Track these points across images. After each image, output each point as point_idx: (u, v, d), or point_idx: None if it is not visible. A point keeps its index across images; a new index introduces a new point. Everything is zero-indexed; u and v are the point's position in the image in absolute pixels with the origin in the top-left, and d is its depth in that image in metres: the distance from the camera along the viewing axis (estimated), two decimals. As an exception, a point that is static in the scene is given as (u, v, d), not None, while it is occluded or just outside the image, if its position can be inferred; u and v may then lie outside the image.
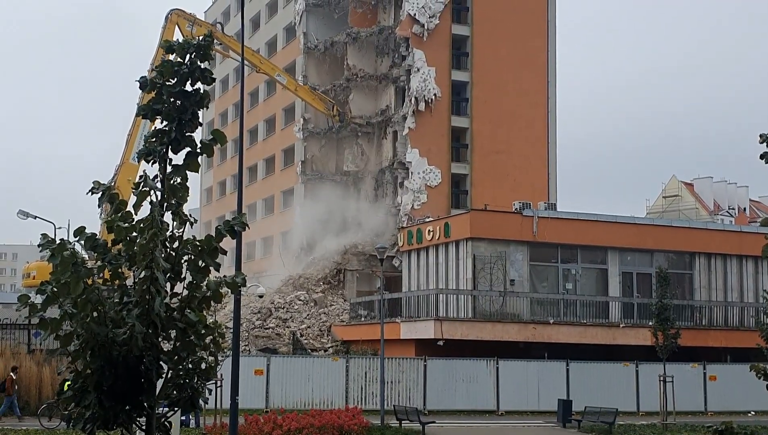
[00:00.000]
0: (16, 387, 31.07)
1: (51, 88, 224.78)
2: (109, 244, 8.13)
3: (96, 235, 8.17)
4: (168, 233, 7.97)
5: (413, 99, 54.23)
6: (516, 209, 42.98)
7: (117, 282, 8.03)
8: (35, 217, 54.50)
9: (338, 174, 59.24)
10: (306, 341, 45.49)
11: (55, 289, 7.68)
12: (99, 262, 8.08)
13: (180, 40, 8.45)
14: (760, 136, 18.00)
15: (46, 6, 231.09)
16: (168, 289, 7.93)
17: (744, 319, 43.85)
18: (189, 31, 51.78)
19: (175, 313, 7.96)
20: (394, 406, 31.89)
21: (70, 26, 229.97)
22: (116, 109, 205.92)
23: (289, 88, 57.42)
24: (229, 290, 8.22)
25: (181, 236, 8.14)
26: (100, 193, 8.15)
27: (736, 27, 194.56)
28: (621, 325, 40.92)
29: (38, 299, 7.89)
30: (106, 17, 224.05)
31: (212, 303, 8.14)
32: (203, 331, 8.08)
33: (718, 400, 39.11)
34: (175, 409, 8.22)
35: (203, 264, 8.12)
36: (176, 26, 52.50)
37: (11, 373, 31.20)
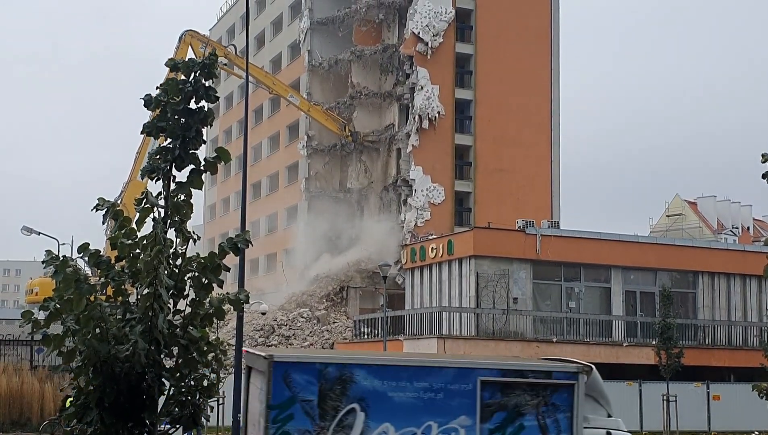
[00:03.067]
0: None
1: (53, 102, 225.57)
2: (113, 261, 8.15)
3: (100, 251, 8.20)
4: (171, 250, 7.99)
5: (417, 117, 54.35)
6: (519, 227, 42.94)
7: (120, 298, 8.04)
8: (39, 234, 54.57)
9: (342, 191, 59.33)
10: (308, 359, 45.37)
11: (58, 306, 7.70)
12: (102, 279, 8.10)
13: (186, 59, 8.50)
14: (762, 155, 18.01)
15: (42, 16, 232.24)
16: (171, 305, 7.95)
17: (748, 339, 43.69)
18: (202, 52, 51.96)
19: (178, 329, 7.97)
20: (396, 424, 31.78)
21: (70, 38, 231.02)
22: (121, 124, 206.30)
23: (302, 108, 57.66)
24: (232, 307, 8.23)
25: (185, 253, 8.16)
26: (105, 209, 8.18)
27: (738, 48, 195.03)
28: (624, 344, 40.80)
29: (41, 315, 7.91)
30: (110, 34, 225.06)
31: (215, 320, 8.15)
32: (205, 348, 8.08)
33: (722, 419, 38.92)
34: (177, 426, 8.21)
35: (206, 281, 8.13)
36: (189, 47, 52.74)
37: None
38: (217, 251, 8.15)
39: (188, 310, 8.08)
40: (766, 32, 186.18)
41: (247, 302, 8.35)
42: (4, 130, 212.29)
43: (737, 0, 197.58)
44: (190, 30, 53.45)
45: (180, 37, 53.28)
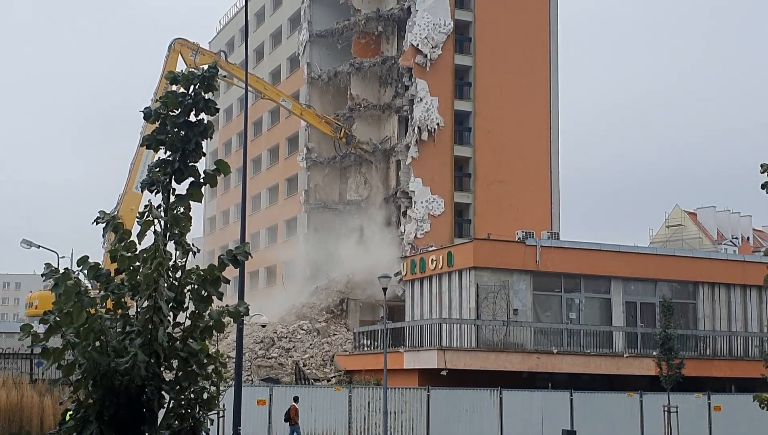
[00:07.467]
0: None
1: (51, 111, 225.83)
2: (112, 274, 8.14)
3: (99, 264, 8.19)
4: (171, 263, 7.98)
5: (416, 128, 54.43)
6: (519, 238, 42.94)
7: (120, 311, 8.03)
8: (38, 247, 54.50)
9: (341, 203, 59.37)
10: (309, 371, 45.33)
11: (58, 319, 7.68)
12: (102, 292, 8.08)
13: (184, 71, 8.51)
14: (761, 165, 18.03)
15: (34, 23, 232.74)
16: (171, 318, 7.93)
17: (748, 349, 43.66)
18: (192, 60, 52.21)
19: (178, 342, 7.95)
20: (397, 436, 31.72)
21: (68, 46, 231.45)
22: (117, 133, 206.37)
23: (295, 112, 57.78)
24: (232, 320, 8.21)
25: (184, 266, 8.14)
26: (105, 222, 8.17)
27: (738, 58, 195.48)
28: (625, 355, 40.75)
29: (41, 329, 7.90)
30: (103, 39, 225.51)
31: (215, 332, 8.13)
32: (205, 361, 8.06)
33: (723, 430, 38.85)
34: (177, 439, 8.18)
35: (206, 293, 8.11)
36: (179, 55, 52.89)
37: (294, 403, 31.89)
38: (216, 264, 8.14)
39: (188, 322, 8.06)
40: (764, 45, 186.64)
41: (247, 314, 8.33)
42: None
43: (735, 9, 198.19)
44: (180, 38, 53.62)
45: (169, 46, 53.44)
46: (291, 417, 31.90)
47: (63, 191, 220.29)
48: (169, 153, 8.32)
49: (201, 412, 8.13)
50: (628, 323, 43.62)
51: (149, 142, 8.40)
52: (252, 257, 8.59)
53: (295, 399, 32.58)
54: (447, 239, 52.53)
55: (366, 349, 45.11)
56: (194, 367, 8.00)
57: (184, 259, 8.16)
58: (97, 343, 7.61)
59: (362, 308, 53.69)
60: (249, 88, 53.77)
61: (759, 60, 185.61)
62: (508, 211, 55.09)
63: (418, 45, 55.02)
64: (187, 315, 8.10)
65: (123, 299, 8.03)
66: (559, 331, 41.11)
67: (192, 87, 8.37)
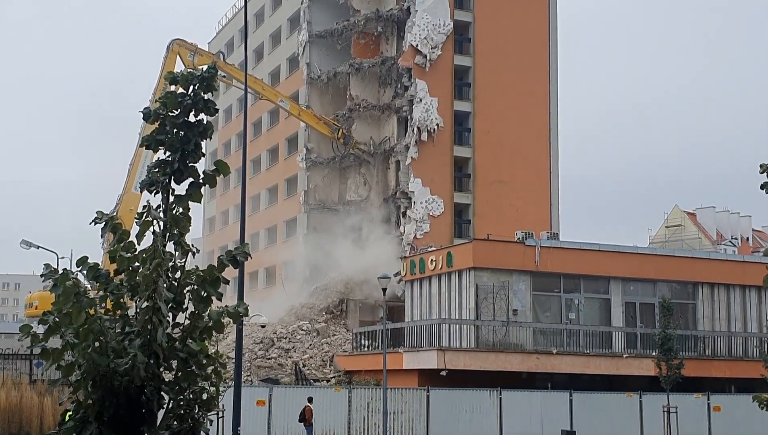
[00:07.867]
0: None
1: (50, 111, 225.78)
2: (112, 274, 8.14)
3: (98, 264, 8.18)
4: (170, 263, 7.98)
5: (416, 129, 54.43)
6: (518, 239, 42.92)
7: (119, 312, 8.03)
8: (38, 247, 54.47)
9: (341, 203, 59.37)
10: (308, 371, 45.32)
11: (57, 319, 7.68)
12: (101, 292, 8.08)
13: (183, 71, 8.50)
14: (761, 166, 18.05)
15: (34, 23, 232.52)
16: (170, 319, 7.93)
17: (748, 350, 43.66)
18: (191, 60, 52.24)
19: (177, 343, 7.95)
20: (396, 436, 31.72)
21: (66, 50, 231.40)
22: (117, 134, 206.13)
23: (293, 113, 57.80)
24: (231, 320, 8.21)
25: (184, 266, 8.14)
26: (104, 223, 8.17)
27: (739, 59, 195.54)
28: (624, 356, 40.75)
29: (40, 329, 7.90)
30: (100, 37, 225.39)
31: (214, 333, 8.13)
32: (205, 362, 8.06)
33: (723, 431, 38.86)
34: (176, 439, 8.18)
35: (205, 294, 8.11)
36: (178, 56, 52.92)
37: (309, 404, 32.04)
38: (216, 264, 8.14)
39: (187, 323, 8.06)
40: (766, 46, 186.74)
41: (246, 315, 8.34)
42: None
43: (736, 10, 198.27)
44: (178, 39, 53.71)
45: (168, 47, 53.48)
46: (306, 418, 31.98)
47: (63, 191, 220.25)
48: (168, 153, 8.32)
49: (200, 413, 8.13)
50: (627, 323, 43.61)
51: (148, 143, 8.40)
52: (251, 258, 8.59)
53: (310, 400, 32.62)
54: (446, 240, 52.53)
55: (365, 349, 45.11)
56: (194, 367, 8.00)
57: (184, 260, 8.16)
58: (97, 344, 7.61)
59: (362, 309, 53.69)
60: (250, 89, 54.08)
61: (760, 61, 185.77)
62: (507, 212, 55.08)
63: (417, 45, 55.02)
64: (187, 315, 8.10)
65: (122, 300, 8.03)
66: (558, 332, 41.11)
67: (191, 87, 8.37)
